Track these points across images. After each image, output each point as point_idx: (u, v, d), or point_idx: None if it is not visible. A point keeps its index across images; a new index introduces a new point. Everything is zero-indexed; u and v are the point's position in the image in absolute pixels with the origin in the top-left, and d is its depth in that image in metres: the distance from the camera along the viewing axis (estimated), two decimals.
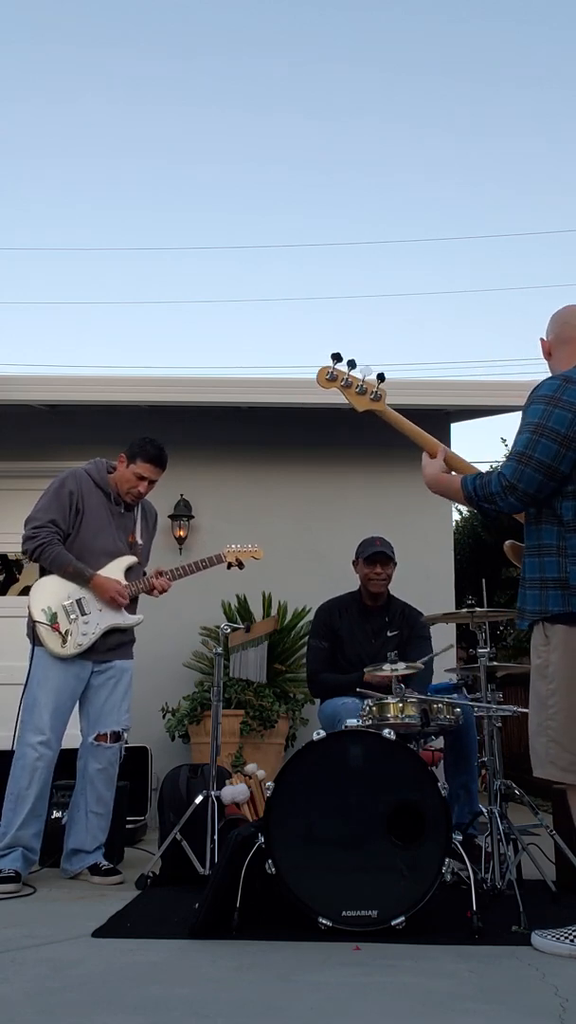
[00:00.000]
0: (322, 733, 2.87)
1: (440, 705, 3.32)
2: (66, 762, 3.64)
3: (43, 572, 3.66)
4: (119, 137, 33.96)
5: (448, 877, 2.83)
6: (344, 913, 2.64)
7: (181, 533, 6.02)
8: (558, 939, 2.47)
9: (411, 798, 2.74)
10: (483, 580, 3.97)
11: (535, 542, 2.63)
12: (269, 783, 2.82)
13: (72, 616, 3.58)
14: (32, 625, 3.60)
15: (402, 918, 2.61)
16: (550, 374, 2.76)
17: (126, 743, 3.77)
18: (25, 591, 5.43)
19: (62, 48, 30.10)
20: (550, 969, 2.31)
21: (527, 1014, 2.00)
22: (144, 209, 40.45)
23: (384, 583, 4.11)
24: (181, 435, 5.75)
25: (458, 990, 2.17)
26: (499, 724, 3.28)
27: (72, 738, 3.67)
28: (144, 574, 3.82)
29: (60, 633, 3.56)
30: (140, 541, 3.82)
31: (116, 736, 3.66)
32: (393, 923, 2.61)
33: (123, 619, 3.69)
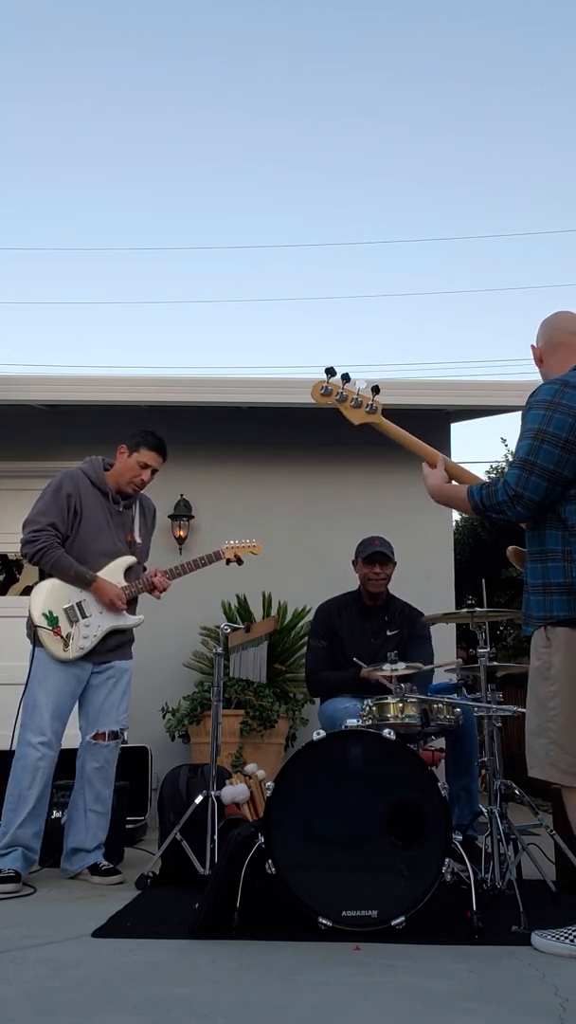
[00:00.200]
0: (322, 733, 2.86)
1: (440, 705, 3.32)
2: (66, 762, 3.65)
3: (43, 574, 3.65)
4: (119, 137, 33.97)
5: (448, 877, 2.82)
6: (344, 913, 2.64)
7: (181, 533, 6.02)
8: (558, 939, 2.47)
9: (411, 798, 2.74)
10: (483, 580, 3.96)
11: (538, 547, 2.62)
12: (269, 783, 2.82)
13: (73, 619, 3.58)
14: (33, 626, 3.60)
15: (402, 918, 2.61)
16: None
17: (125, 743, 3.77)
18: (26, 591, 5.43)
19: (62, 48, 30.13)
20: (550, 969, 2.31)
21: (527, 1014, 2.00)
22: (144, 209, 40.48)
23: (383, 583, 4.11)
24: (181, 435, 5.72)
25: (458, 990, 2.17)
26: (499, 724, 3.28)
27: (72, 738, 3.67)
28: (144, 569, 3.82)
29: (62, 637, 3.56)
30: (139, 540, 3.81)
31: (114, 735, 3.67)
32: (393, 923, 2.61)
33: (124, 620, 3.69)
